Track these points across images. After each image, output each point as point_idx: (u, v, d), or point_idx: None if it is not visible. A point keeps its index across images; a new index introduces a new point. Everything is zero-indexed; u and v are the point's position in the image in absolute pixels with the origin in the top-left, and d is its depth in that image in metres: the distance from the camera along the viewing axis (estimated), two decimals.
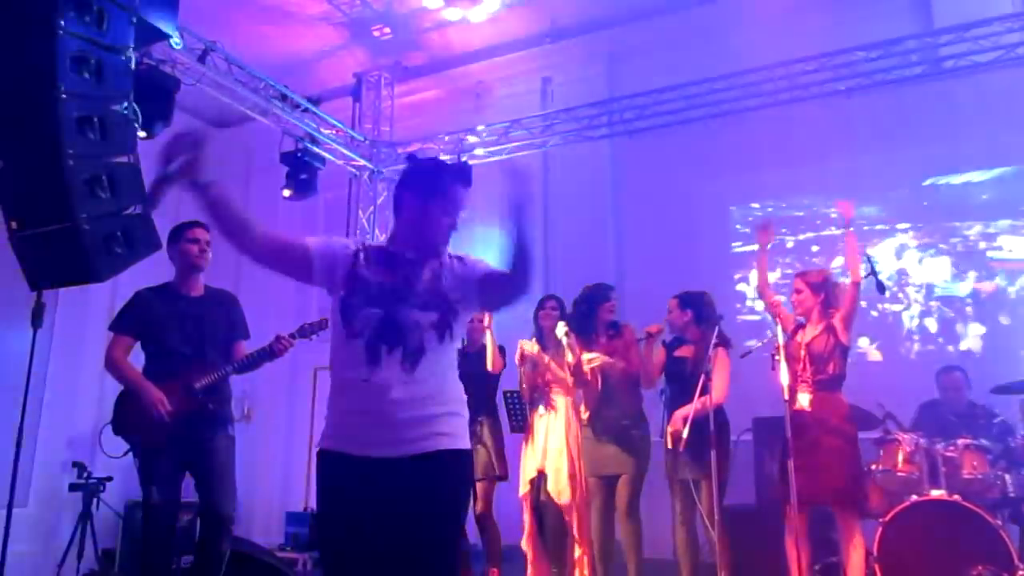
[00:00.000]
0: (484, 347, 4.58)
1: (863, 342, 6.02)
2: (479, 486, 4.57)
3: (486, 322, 4.52)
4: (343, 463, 2.05)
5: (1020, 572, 3.76)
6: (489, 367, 4.51)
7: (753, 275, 4.53)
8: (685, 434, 3.94)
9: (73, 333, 6.49)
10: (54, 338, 6.28)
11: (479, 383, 4.53)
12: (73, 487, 5.97)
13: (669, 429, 4.16)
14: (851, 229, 4.15)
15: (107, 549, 6.27)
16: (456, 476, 2.08)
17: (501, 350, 4.65)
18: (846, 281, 4.15)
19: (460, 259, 2.20)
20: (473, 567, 4.76)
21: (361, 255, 2.19)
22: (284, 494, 7.06)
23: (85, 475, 6.01)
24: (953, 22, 5.41)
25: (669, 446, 4.04)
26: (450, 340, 2.11)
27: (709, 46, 6.22)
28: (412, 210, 2.19)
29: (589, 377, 4.34)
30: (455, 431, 2.08)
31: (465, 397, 2.17)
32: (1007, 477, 4.36)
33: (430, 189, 2.17)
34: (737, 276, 6.59)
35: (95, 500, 5.95)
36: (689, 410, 3.99)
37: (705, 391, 4.00)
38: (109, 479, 6.06)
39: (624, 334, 4.47)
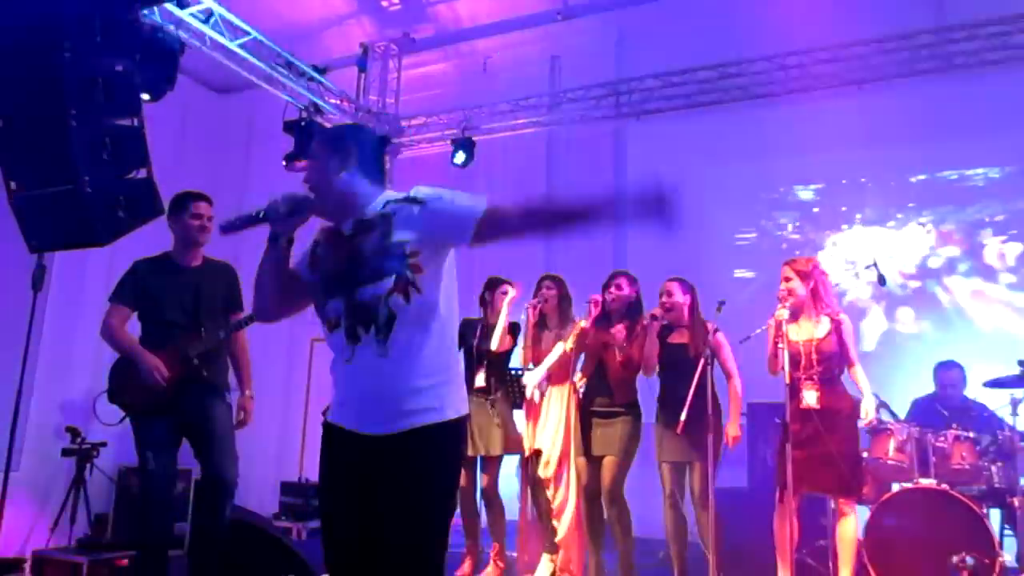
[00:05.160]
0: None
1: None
2: (488, 461, 4.55)
3: (507, 298, 4.49)
4: (338, 436, 2.09)
5: (999, 559, 3.83)
6: (493, 346, 4.46)
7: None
8: (683, 416, 3.96)
9: (69, 297, 6.46)
10: (49, 302, 6.25)
11: (494, 359, 4.55)
12: (66, 452, 5.96)
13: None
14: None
15: (100, 514, 6.26)
16: (444, 449, 2.05)
17: (514, 327, 4.63)
18: None
19: (411, 199, 2.07)
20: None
21: (317, 248, 2.22)
22: (279, 464, 7.08)
23: (79, 440, 6.02)
24: (964, 19, 5.40)
25: (679, 431, 4.04)
26: (419, 294, 2.01)
27: (721, 31, 6.17)
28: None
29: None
30: (443, 403, 2.04)
31: (457, 358, 2.14)
32: (994, 468, 4.44)
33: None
34: (738, 263, 6.61)
35: (88, 465, 5.97)
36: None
37: (704, 376, 4.02)
38: (103, 444, 6.06)
39: (635, 325, 4.42)
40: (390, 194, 2.15)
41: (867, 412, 3.94)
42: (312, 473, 6.79)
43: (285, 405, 7.46)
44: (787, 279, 4.11)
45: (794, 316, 4.06)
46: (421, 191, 2.08)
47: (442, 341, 2.08)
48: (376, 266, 2.02)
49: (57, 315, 6.36)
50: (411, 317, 2.02)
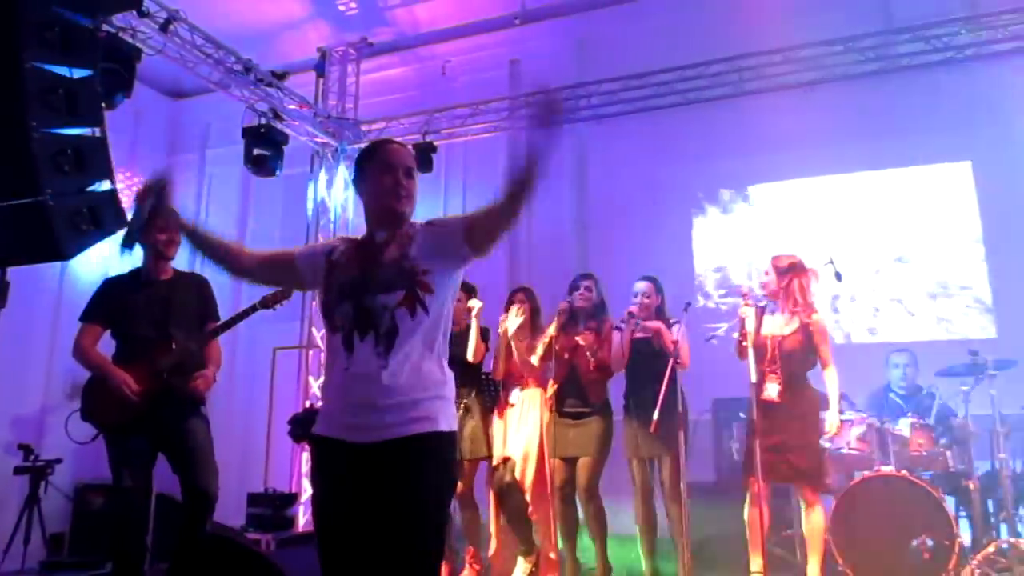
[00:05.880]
0: (468, 329, 4.60)
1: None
2: (464, 466, 4.54)
3: (474, 311, 4.48)
4: (331, 448, 2.10)
5: (958, 540, 4.01)
6: (469, 357, 4.44)
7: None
8: (656, 415, 4.05)
9: (20, 312, 6.24)
10: None
11: (464, 364, 4.57)
12: (19, 470, 5.78)
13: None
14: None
15: (55, 534, 6.10)
16: (438, 458, 2.08)
17: (485, 332, 4.66)
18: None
19: (430, 223, 2.20)
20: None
21: (337, 251, 2.25)
22: (243, 475, 6.95)
23: (32, 457, 5.84)
24: (910, 22, 5.64)
25: (652, 430, 4.10)
26: (425, 313, 2.08)
27: (678, 35, 6.31)
28: (362, 192, 2.28)
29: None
30: (437, 414, 2.08)
31: (451, 376, 2.17)
32: (948, 453, 4.64)
33: (362, 163, 2.27)
34: (698, 263, 6.76)
35: (43, 483, 5.80)
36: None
37: (674, 373, 4.08)
38: (58, 461, 5.90)
39: (603, 327, 4.51)
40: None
41: (831, 425, 4.06)
42: (278, 483, 6.71)
43: (248, 415, 7.35)
44: (766, 273, 4.25)
45: (771, 309, 4.20)
46: (437, 217, 2.22)
47: (439, 358, 2.15)
48: (390, 277, 2.10)
49: (7, 330, 6.16)
50: (413, 333, 2.07)
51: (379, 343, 2.05)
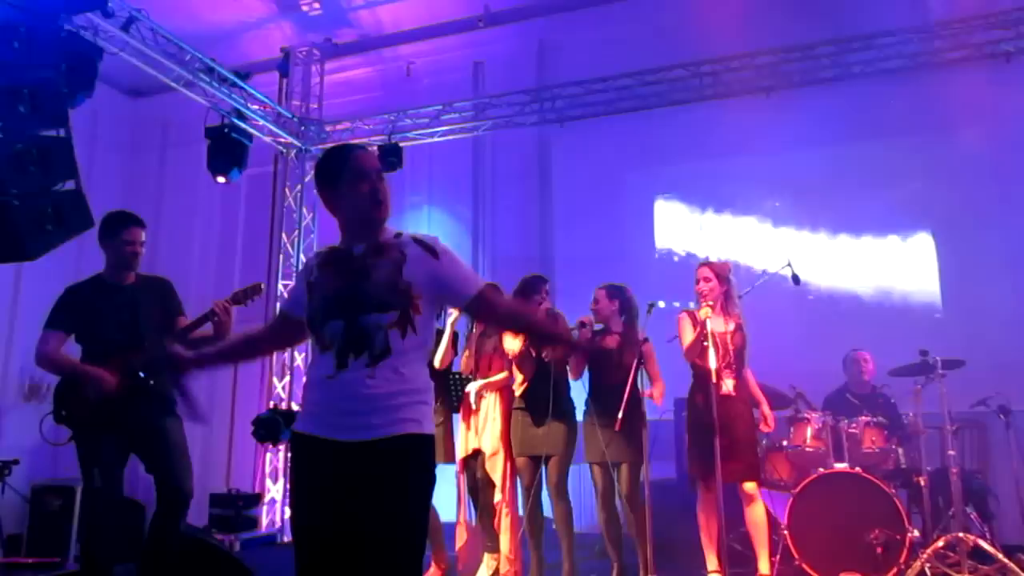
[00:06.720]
0: (440, 334, 4.63)
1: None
2: None
3: (451, 318, 4.49)
4: (312, 445, 2.10)
5: (909, 534, 4.18)
6: (436, 363, 4.45)
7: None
8: (620, 415, 4.12)
9: None
10: None
11: (432, 370, 4.57)
12: None
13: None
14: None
15: (13, 535, 6.01)
16: (421, 459, 2.12)
17: (455, 337, 4.70)
18: None
19: (429, 248, 2.18)
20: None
21: (313, 268, 2.25)
22: (205, 476, 6.89)
23: None
24: (862, 30, 5.83)
25: (617, 428, 4.18)
26: (414, 334, 2.11)
27: (639, 39, 6.42)
28: (336, 204, 2.24)
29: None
30: (420, 416, 2.11)
31: (431, 383, 2.20)
32: (900, 450, 4.83)
33: (331, 174, 2.22)
34: (659, 263, 6.88)
35: None
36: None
37: (637, 380, 4.17)
38: (15, 462, 5.80)
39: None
40: (399, 231, 2.24)
41: (771, 423, 4.38)
42: (241, 483, 6.67)
43: (210, 415, 7.27)
44: (707, 279, 4.35)
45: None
46: (439, 245, 2.20)
47: (423, 368, 2.18)
48: (383, 296, 2.10)
49: None
50: (403, 352, 2.09)
51: (371, 361, 2.06)
